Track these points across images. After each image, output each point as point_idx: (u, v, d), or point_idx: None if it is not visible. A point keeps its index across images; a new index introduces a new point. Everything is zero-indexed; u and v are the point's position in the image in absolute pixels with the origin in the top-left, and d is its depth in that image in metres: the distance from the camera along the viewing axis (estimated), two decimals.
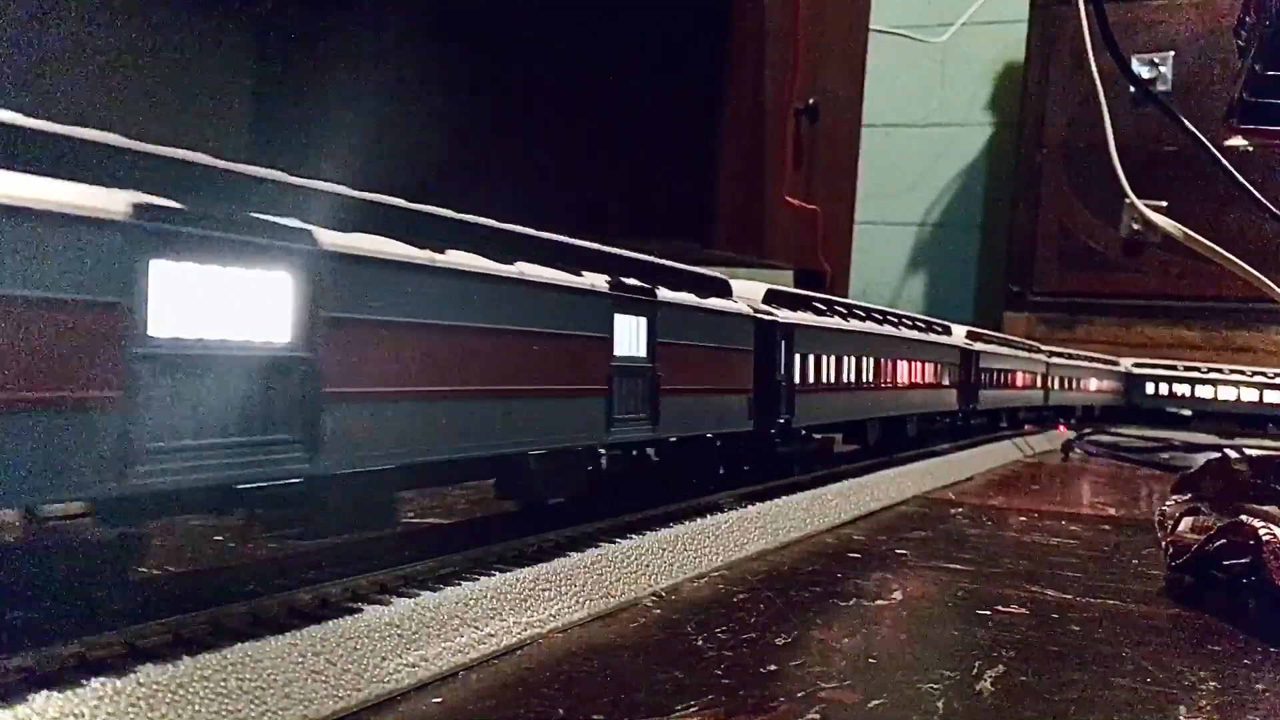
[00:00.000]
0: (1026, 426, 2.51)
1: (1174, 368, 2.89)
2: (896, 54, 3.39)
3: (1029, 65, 3.19)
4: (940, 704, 0.58)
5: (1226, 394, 2.81)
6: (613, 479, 0.87)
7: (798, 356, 1.13)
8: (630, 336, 0.82)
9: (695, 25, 1.67)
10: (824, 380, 1.21)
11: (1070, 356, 2.71)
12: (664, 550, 0.84)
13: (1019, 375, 2.25)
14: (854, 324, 1.34)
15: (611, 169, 1.70)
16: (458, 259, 0.63)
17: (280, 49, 1.83)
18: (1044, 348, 2.55)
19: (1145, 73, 2.82)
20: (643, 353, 0.84)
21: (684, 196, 1.67)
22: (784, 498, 1.10)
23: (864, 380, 1.35)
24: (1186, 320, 2.97)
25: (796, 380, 1.13)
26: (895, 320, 1.53)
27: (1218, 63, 2.70)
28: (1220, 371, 2.82)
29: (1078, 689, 0.62)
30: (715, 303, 0.97)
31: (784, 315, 1.11)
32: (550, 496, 0.78)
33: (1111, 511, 1.44)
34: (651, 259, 0.89)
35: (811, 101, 1.99)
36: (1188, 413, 2.87)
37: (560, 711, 0.54)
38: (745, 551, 0.95)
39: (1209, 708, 0.60)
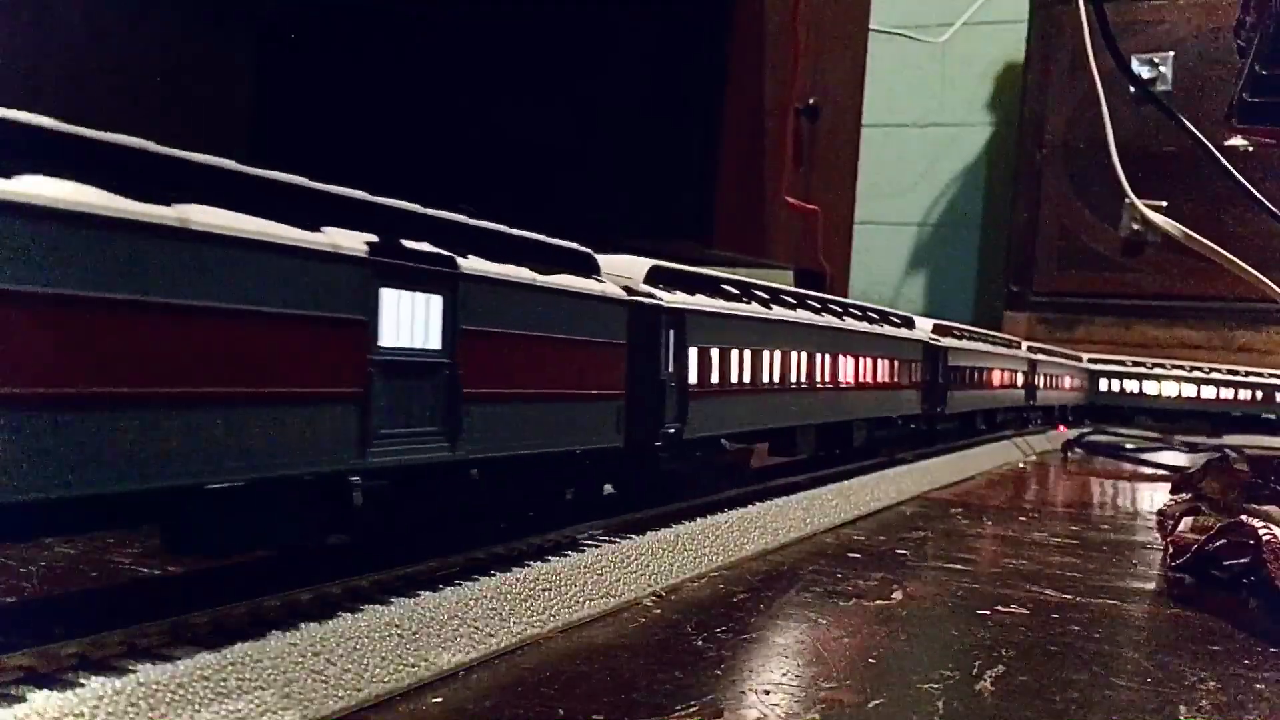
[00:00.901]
0: (1032, 429, 2.46)
1: (1123, 363, 2.87)
2: (896, 54, 3.39)
3: (1029, 65, 3.19)
4: (940, 704, 0.58)
5: (1169, 390, 2.81)
6: (386, 518, 0.62)
7: (693, 351, 0.91)
8: (411, 321, 0.61)
9: (696, 25, 1.67)
10: (730, 380, 0.99)
11: (1051, 353, 2.59)
12: (664, 550, 0.84)
13: (996, 374, 2.07)
14: (776, 312, 1.12)
15: (611, 169, 1.70)
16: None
17: (280, 49, 1.83)
18: (1026, 343, 2.42)
19: (1145, 73, 2.82)
20: (435, 344, 0.62)
21: (684, 196, 1.67)
22: (784, 498, 1.10)
23: (791, 380, 1.15)
24: (1186, 320, 2.97)
25: (691, 380, 0.91)
26: (839, 310, 1.35)
27: (1218, 63, 2.70)
28: (1164, 367, 2.81)
29: (1078, 689, 0.62)
30: (567, 282, 0.75)
31: (672, 299, 0.89)
32: (248, 546, 0.57)
33: (1111, 511, 1.44)
34: (462, 219, 0.67)
35: (811, 101, 1.99)
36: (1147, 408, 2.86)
37: (560, 711, 0.54)
38: (745, 551, 0.95)
39: (1209, 708, 0.60)
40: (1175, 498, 1.10)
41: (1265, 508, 0.97)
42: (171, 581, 0.72)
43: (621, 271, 0.87)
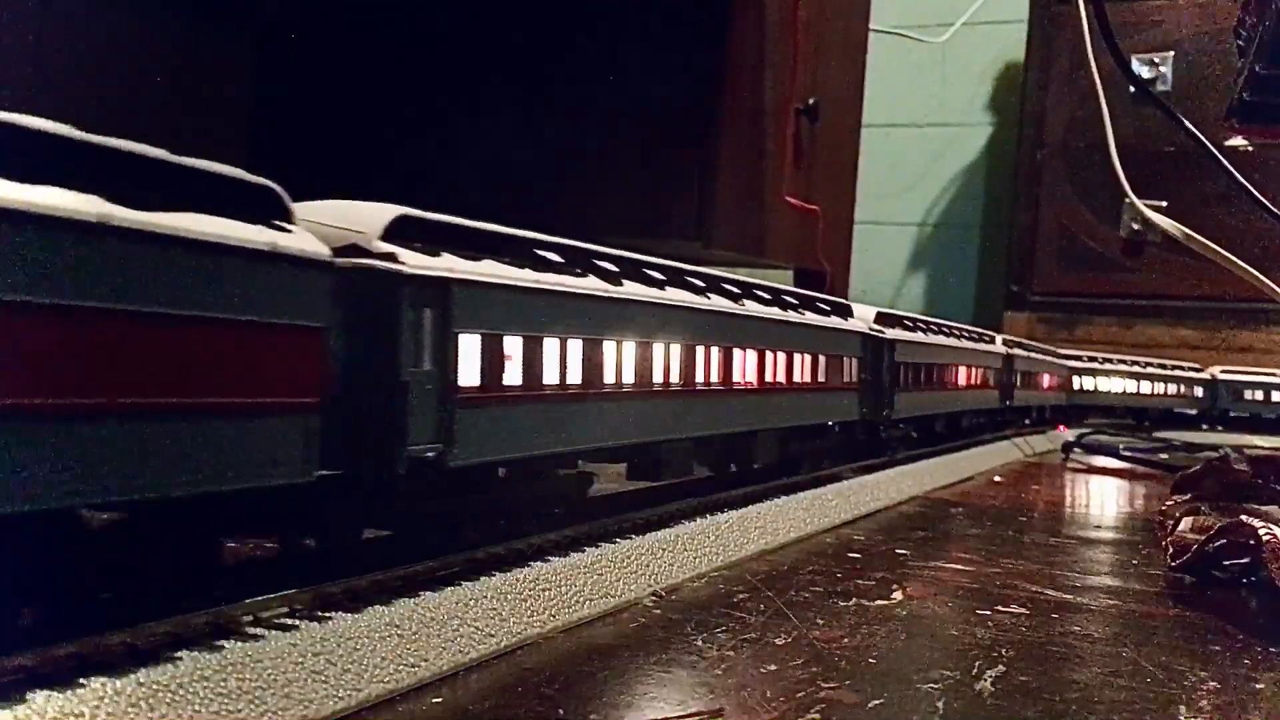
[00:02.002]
0: (1031, 435, 2.40)
1: (1095, 359, 2.87)
2: (896, 54, 3.39)
3: (1029, 65, 3.19)
4: (940, 704, 0.58)
5: (1106, 385, 2.82)
6: None
7: (469, 339, 0.66)
8: None
9: (695, 25, 1.67)
10: (539, 381, 0.73)
11: (1031, 349, 2.40)
12: (664, 550, 0.84)
13: (961, 371, 1.82)
14: (627, 289, 0.83)
15: (611, 168, 1.70)
16: None
17: (280, 49, 1.83)
18: (1001, 337, 2.18)
19: (1145, 73, 2.82)
20: None
21: (684, 196, 1.67)
22: (784, 497, 1.10)
23: (654, 381, 0.87)
24: (1186, 320, 2.97)
25: (467, 381, 0.65)
26: (738, 291, 1.05)
27: (1218, 63, 2.70)
28: (1095, 361, 2.82)
29: (1078, 689, 0.62)
30: (198, 227, 0.49)
31: (427, 263, 0.62)
32: None
33: (1111, 511, 1.44)
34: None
35: (811, 101, 1.99)
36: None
37: (560, 711, 0.54)
38: (745, 551, 0.95)
39: (1209, 708, 0.60)
40: (1175, 498, 1.10)
41: (1265, 508, 0.97)
42: (171, 582, 0.72)
43: (344, 223, 0.61)
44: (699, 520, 0.93)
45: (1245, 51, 1.02)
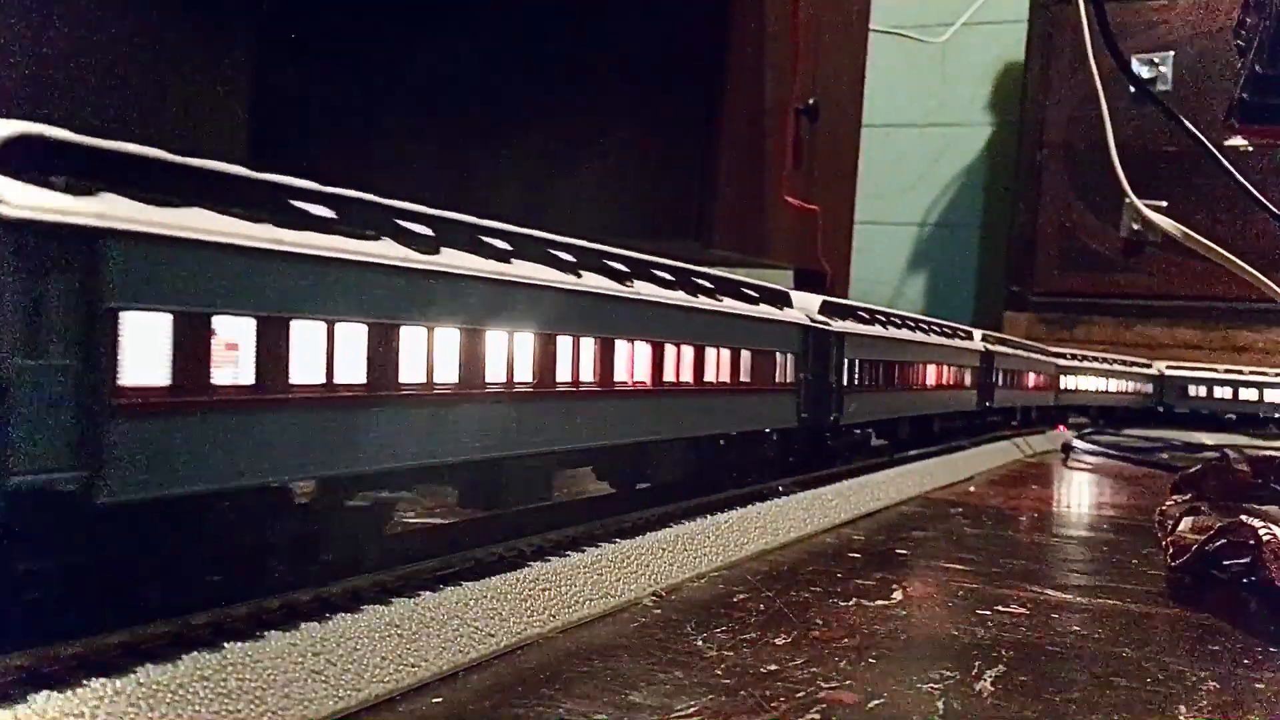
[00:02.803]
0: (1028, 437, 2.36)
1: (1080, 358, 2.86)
2: (896, 54, 3.39)
3: (1029, 65, 3.19)
4: (940, 704, 0.58)
5: (1087, 384, 2.82)
6: None
7: (153, 320, 0.47)
8: None
9: (696, 25, 1.67)
10: (295, 377, 0.54)
11: (1016, 346, 2.25)
12: (664, 550, 0.84)
13: (930, 370, 1.63)
14: (446, 259, 0.64)
15: (612, 169, 1.70)
16: None
17: (280, 49, 1.83)
18: (980, 332, 2.01)
19: (1145, 73, 2.82)
20: None
21: (684, 196, 1.67)
22: (784, 498, 1.10)
23: (481, 379, 0.67)
24: (1186, 320, 2.97)
25: (132, 380, 0.46)
26: (626, 269, 0.85)
27: (1218, 63, 2.70)
28: (1077, 359, 2.81)
29: (1078, 689, 0.62)
30: None
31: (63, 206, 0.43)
32: None
33: (1111, 511, 1.44)
34: None
35: (811, 101, 1.99)
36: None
37: (560, 711, 0.54)
38: (745, 551, 0.95)
39: (1209, 708, 0.60)
40: (1175, 498, 1.10)
41: (1265, 508, 0.97)
42: (171, 582, 0.72)
43: None
44: (699, 520, 0.93)
45: (1245, 51, 1.02)
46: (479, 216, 0.69)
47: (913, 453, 1.60)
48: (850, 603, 0.81)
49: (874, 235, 3.39)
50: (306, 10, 1.81)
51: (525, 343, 0.71)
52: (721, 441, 1.07)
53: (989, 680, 0.63)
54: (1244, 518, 0.88)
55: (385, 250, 0.59)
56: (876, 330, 1.40)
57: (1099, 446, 2.26)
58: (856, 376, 1.31)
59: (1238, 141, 2.15)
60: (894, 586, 0.87)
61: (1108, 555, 1.09)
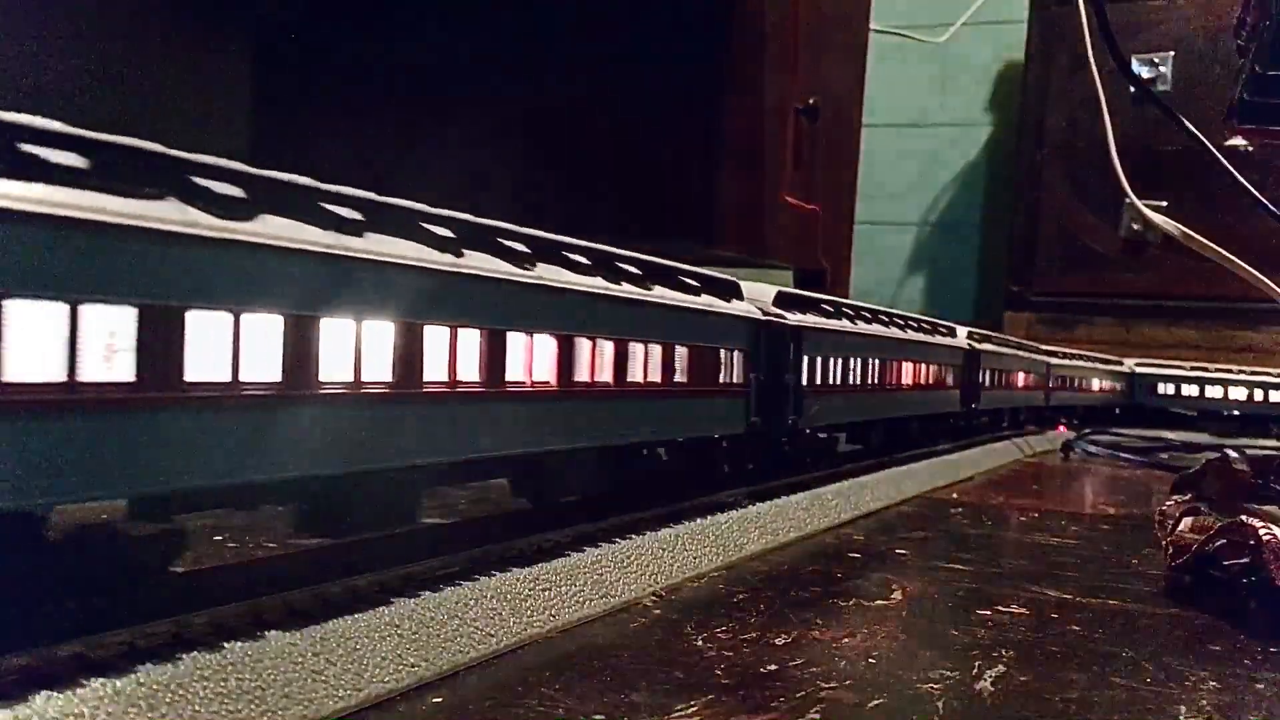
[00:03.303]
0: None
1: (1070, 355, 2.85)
2: (896, 54, 3.39)
3: (1029, 65, 3.19)
4: (940, 704, 0.58)
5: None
6: None
7: None
8: None
9: (696, 25, 1.67)
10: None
11: (1005, 343, 2.14)
12: (664, 550, 0.84)
13: (907, 368, 1.51)
14: (272, 229, 0.51)
15: (612, 169, 1.70)
16: None
17: (280, 49, 1.83)
18: (966, 329, 1.87)
19: (1145, 73, 2.82)
20: None
21: (684, 196, 1.67)
22: (784, 497, 1.10)
23: (336, 378, 0.56)
24: (1186, 320, 2.97)
25: None
26: (526, 249, 0.72)
27: (1218, 63, 2.70)
28: (1069, 358, 2.80)
29: (1078, 689, 0.62)
30: None
31: None
32: None
33: (1111, 511, 1.44)
34: None
35: (811, 101, 1.99)
36: None
37: (560, 711, 0.54)
38: (745, 551, 0.95)
39: (1209, 708, 0.60)
40: (1175, 498, 1.10)
41: (1265, 508, 0.97)
42: (171, 581, 0.72)
43: None
44: (699, 520, 0.93)
45: (1245, 51, 1.02)
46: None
47: (902, 455, 1.54)
48: (850, 603, 0.81)
49: (874, 235, 3.39)
50: (306, 10, 1.81)
51: (381, 334, 0.58)
52: (662, 451, 0.95)
53: (989, 680, 0.63)
54: (1244, 518, 0.88)
55: (156, 212, 0.45)
56: (842, 325, 1.27)
57: (1099, 446, 2.26)
58: (819, 376, 1.19)
59: (1238, 141, 2.15)
60: (894, 586, 0.87)
61: (1108, 555, 1.09)
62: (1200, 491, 1.06)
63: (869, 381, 1.36)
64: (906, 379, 1.51)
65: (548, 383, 0.72)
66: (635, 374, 0.83)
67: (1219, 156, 1.36)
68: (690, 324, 0.92)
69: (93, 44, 1.52)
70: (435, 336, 0.62)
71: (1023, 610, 0.81)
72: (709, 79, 1.67)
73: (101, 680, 0.44)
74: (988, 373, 1.91)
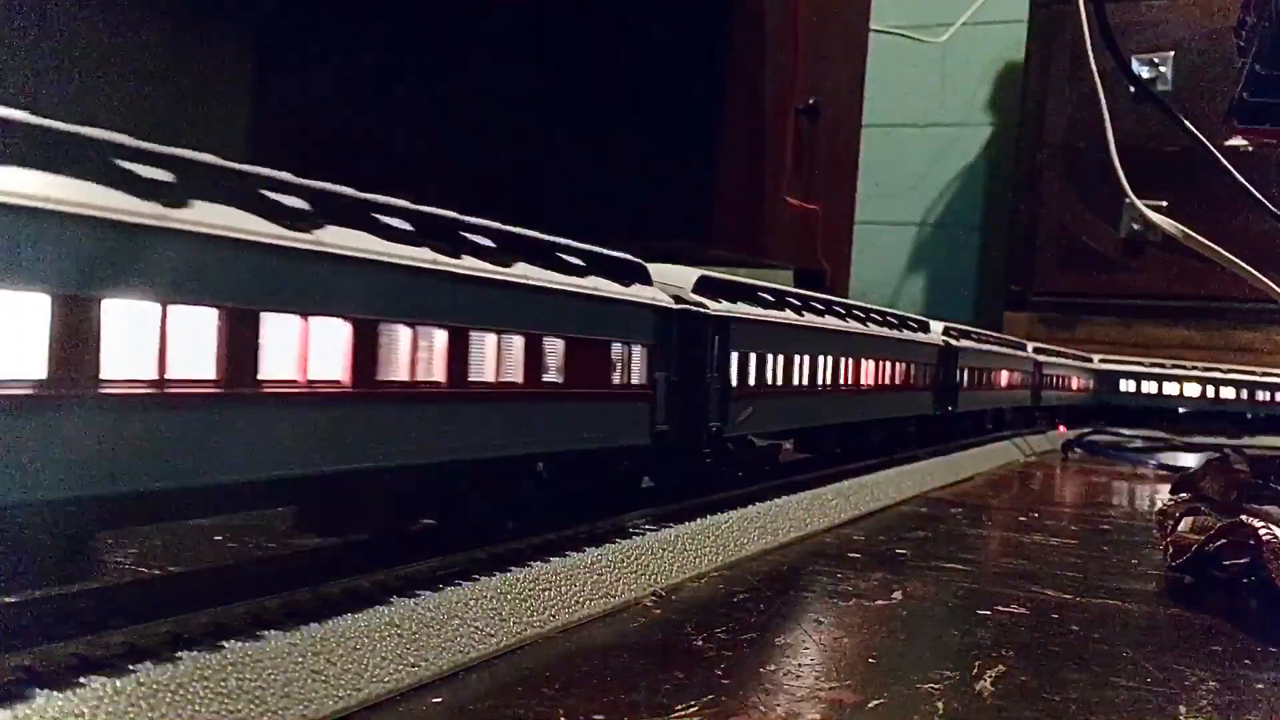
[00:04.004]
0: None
1: (1063, 353, 2.82)
2: (896, 54, 3.39)
3: (1029, 65, 3.19)
4: (940, 704, 0.58)
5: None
6: None
7: None
8: None
9: (695, 24, 1.67)
10: None
11: (984, 339, 1.98)
12: (664, 550, 0.84)
13: (868, 368, 1.36)
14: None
15: (612, 168, 1.70)
16: None
17: (280, 49, 1.83)
18: (942, 324, 1.75)
19: (1145, 73, 2.82)
20: None
21: (684, 196, 1.67)
22: (784, 498, 1.10)
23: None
24: (1186, 320, 2.97)
25: None
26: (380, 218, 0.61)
27: (1218, 63, 2.70)
28: (1057, 355, 2.77)
29: (1078, 689, 0.62)
30: None
31: None
32: None
33: (1111, 511, 1.44)
34: None
35: (811, 101, 1.99)
36: None
37: (560, 711, 0.54)
38: (745, 551, 0.95)
39: (1209, 708, 0.60)
40: (1175, 498, 1.10)
41: (1265, 508, 0.97)
42: (171, 581, 0.72)
43: None
44: (699, 520, 0.93)
45: (1245, 51, 1.02)
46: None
47: (857, 465, 1.36)
48: (850, 603, 0.81)
49: (874, 235, 3.39)
50: (307, 10, 1.81)
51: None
52: (542, 468, 0.79)
53: (989, 680, 0.63)
54: (1244, 518, 0.88)
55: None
56: (783, 317, 1.10)
57: (1099, 446, 2.27)
58: (753, 375, 1.03)
59: (1238, 141, 2.15)
60: (894, 586, 0.87)
61: (1108, 555, 1.09)
62: (1200, 491, 1.06)
63: (820, 382, 1.20)
64: (868, 379, 1.36)
65: (338, 382, 0.56)
66: (484, 373, 0.67)
67: (1219, 156, 1.36)
68: (566, 311, 0.75)
69: (92, 42, 1.52)
70: (124, 316, 0.44)
71: (1023, 610, 0.81)
72: (709, 78, 1.67)
73: (101, 680, 0.44)
74: (966, 372, 1.78)
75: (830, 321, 1.25)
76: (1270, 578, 0.82)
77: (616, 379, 0.83)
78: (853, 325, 1.33)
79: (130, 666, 0.46)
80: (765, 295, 1.10)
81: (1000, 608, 0.81)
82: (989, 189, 3.54)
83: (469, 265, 0.65)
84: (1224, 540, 0.89)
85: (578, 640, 0.67)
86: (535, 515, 0.78)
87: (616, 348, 0.83)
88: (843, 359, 1.28)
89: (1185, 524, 0.97)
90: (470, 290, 0.65)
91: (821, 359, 1.21)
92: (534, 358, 0.72)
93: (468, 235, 0.67)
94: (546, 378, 0.73)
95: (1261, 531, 0.85)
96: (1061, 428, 2.60)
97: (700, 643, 0.67)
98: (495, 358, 0.68)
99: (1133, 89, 1.99)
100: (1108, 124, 1.79)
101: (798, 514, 1.09)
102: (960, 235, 3.59)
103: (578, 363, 0.77)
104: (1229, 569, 0.90)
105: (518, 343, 0.70)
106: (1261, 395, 2.79)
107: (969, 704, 0.58)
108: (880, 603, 0.81)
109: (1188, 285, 2.86)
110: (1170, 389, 2.79)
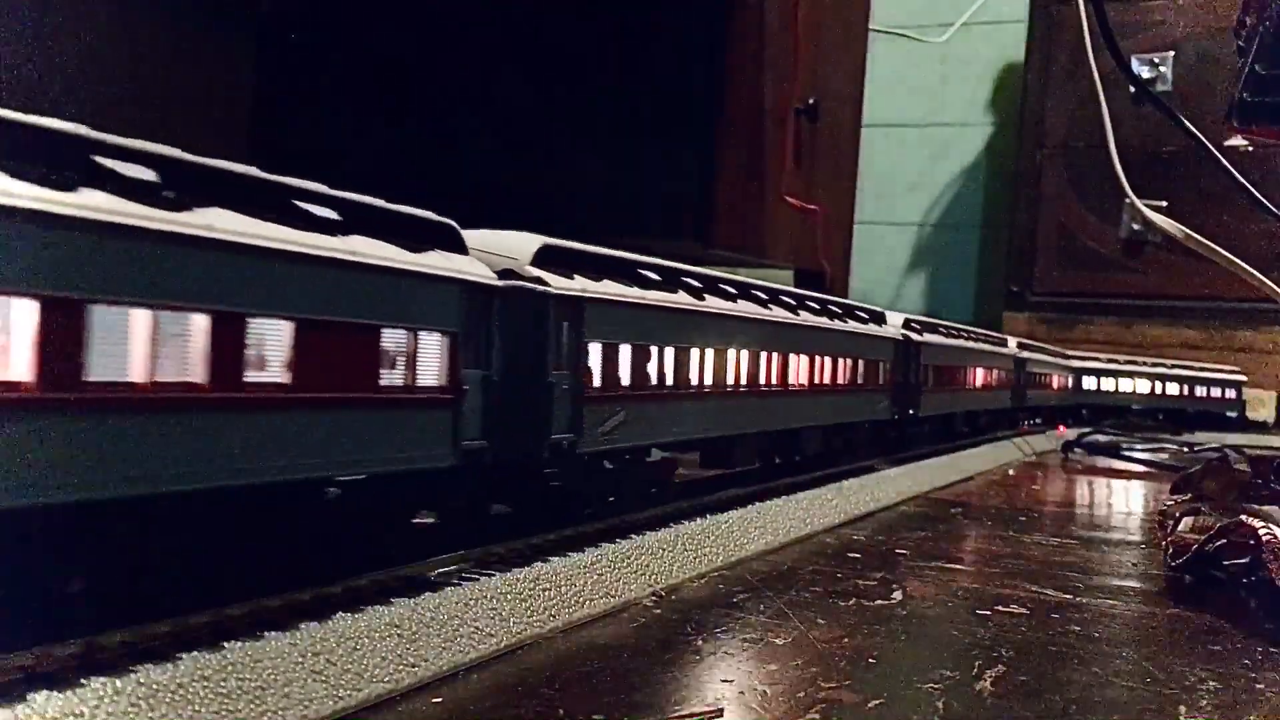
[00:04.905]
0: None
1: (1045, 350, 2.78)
2: (896, 54, 3.39)
3: (1029, 65, 3.19)
4: (940, 704, 0.58)
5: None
6: None
7: None
8: None
9: (696, 25, 1.67)
10: None
11: (953, 334, 1.78)
12: (664, 550, 0.84)
13: (800, 364, 1.16)
14: None
15: (612, 169, 1.70)
16: None
17: (280, 48, 1.83)
18: (903, 316, 1.55)
19: (1145, 73, 2.82)
20: None
21: (684, 196, 1.67)
22: (784, 498, 1.10)
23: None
24: (1186, 320, 2.97)
25: None
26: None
27: (1218, 63, 2.70)
28: (1039, 352, 2.73)
29: (1078, 689, 0.62)
30: None
31: None
32: None
33: (1111, 511, 1.44)
34: None
35: (811, 101, 1.99)
36: None
37: (560, 711, 0.54)
38: (745, 551, 0.95)
39: (1209, 708, 0.60)
40: (1175, 498, 1.10)
41: (1265, 508, 0.97)
42: (172, 582, 0.72)
43: None
44: (699, 520, 0.93)
45: (1245, 51, 1.02)
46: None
47: (788, 480, 1.16)
48: (850, 603, 0.81)
49: (874, 235, 3.39)
50: (307, 10, 1.81)
51: None
52: (335, 491, 0.60)
53: (989, 680, 0.63)
54: (1244, 518, 0.88)
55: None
56: (670, 299, 0.87)
57: (1098, 446, 2.27)
58: (624, 372, 0.82)
59: (1238, 141, 2.15)
60: (894, 586, 0.87)
61: (1107, 555, 1.09)
62: (1200, 491, 1.06)
63: (730, 382, 0.99)
64: (798, 378, 1.15)
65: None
66: (130, 369, 0.46)
67: (1219, 156, 1.36)
68: (292, 283, 0.54)
69: (92, 42, 1.52)
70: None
71: (1023, 610, 0.81)
72: (709, 79, 1.67)
73: (101, 680, 0.44)
74: (931, 370, 1.57)
75: (744, 308, 1.03)
76: (1270, 578, 0.82)
77: (391, 380, 0.61)
78: (777, 314, 1.10)
79: (130, 666, 0.46)
80: (648, 273, 0.87)
81: (1000, 608, 0.81)
82: (989, 189, 3.54)
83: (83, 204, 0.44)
84: (1224, 540, 0.89)
85: (578, 640, 0.67)
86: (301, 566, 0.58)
87: (394, 338, 0.61)
88: (764, 354, 1.07)
89: (1185, 524, 0.97)
90: (90, 244, 0.44)
91: (733, 353, 1.01)
92: (231, 349, 0.51)
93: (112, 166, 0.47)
94: (255, 377, 0.53)
95: (1261, 531, 0.85)
96: (1061, 428, 2.60)
97: (700, 643, 0.67)
98: (146, 349, 0.47)
99: (1133, 89, 1.99)
100: (1108, 124, 1.79)
101: (798, 514, 1.09)
102: (960, 235, 3.59)
103: (326, 358, 0.56)
104: (1229, 569, 0.90)
105: (199, 326, 0.49)
106: (1200, 391, 2.79)
107: (969, 704, 0.58)
108: (880, 603, 0.81)
109: (1188, 285, 2.86)
110: (1088, 383, 2.75)
